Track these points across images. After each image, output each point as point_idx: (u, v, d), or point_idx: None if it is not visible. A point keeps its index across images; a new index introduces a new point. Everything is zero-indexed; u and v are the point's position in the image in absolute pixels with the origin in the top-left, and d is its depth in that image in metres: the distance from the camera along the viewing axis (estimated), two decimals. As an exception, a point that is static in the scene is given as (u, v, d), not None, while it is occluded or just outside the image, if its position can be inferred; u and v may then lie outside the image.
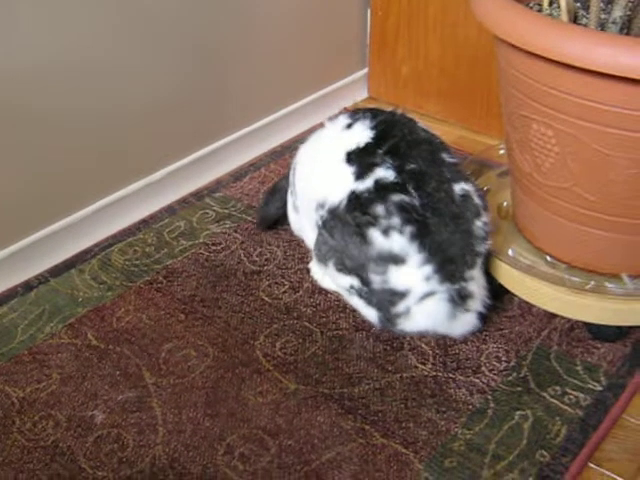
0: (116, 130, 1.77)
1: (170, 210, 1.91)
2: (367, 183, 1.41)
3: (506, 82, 1.40)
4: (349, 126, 1.51)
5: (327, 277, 1.57)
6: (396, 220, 1.37)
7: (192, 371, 1.44)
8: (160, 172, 1.92)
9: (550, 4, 1.45)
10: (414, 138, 1.46)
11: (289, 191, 1.70)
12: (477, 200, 1.45)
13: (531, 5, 1.46)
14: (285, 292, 1.63)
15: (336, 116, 1.58)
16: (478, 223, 1.43)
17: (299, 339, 1.51)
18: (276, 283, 1.66)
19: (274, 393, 1.39)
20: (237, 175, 2.04)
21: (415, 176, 1.40)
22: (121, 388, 1.41)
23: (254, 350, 1.49)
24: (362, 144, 1.46)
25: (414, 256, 1.37)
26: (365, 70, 2.45)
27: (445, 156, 1.46)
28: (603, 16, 1.35)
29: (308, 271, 1.67)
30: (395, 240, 1.37)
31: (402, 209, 1.37)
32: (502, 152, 1.83)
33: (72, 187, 1.73)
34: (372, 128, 1.47)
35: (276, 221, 1.80)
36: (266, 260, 1.73)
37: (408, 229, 1.37)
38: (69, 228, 1.75)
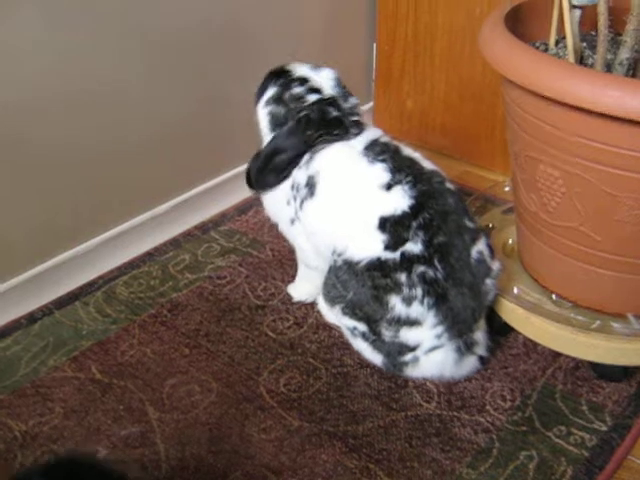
0: (121, 163, 1.78)
1: (175, 243, 1.91)
2: (395, 254, 1.39)
3: (513, 122, 1.41)
4: (388, 187, 1.43)
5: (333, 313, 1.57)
6: (419, 291, 1.38)
7: (196, 406, 1.43)
8: (165, 205, 1.92)
9: (556, 43, 1.46)
10: (445, 209, 1.42)
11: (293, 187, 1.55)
12: (488, 258, 1.45)
13: (537, 44, 1.47)
14: (289, 327, 1.63)
15: (371, 146, 1.48)
16: (488, 282, 1.45)
17: (303, 375, 1.51)
18: (280, 318, 1.66)
19: (278, 430, 1.39)
20: (242, 208, 2.05)
21: (441, 248, 1.39)
22: (124, 423, 1.40)
23: (258, 386, 1.48)
24: (399, 212, 1.40)
25: (429, 321, 1.39)
26: (371, 104, 2.47)
27: (466, 221, 1.44)
28: (609, 57, 1.35)
29: (314, 305, 1.67)
30: (414, 309, 1.38)
31: (425, 281, 1.38)
32: (507, 189, 1.84)
33: (77, 219, 1.74)
34: (412, 197, 1.41)
35: None
36: (271, 295, 1.72)
37: (428, 299, 1.38)
38: (74, 260, 1.75)
